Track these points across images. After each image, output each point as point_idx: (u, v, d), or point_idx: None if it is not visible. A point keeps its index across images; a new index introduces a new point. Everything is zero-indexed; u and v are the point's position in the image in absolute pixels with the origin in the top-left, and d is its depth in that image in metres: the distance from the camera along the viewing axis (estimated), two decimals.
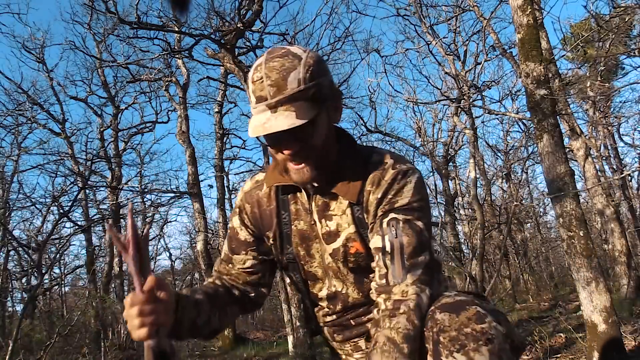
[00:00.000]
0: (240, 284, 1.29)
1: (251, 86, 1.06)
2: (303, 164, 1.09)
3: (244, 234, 1.28)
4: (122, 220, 11.50)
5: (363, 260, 1.16)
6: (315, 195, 1.17)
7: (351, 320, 1.23)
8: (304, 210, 1.20)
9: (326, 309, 1.25)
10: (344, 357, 1.29)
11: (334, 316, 1.25)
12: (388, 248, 1.07)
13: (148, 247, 0.98)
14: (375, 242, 1.10)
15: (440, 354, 0.92)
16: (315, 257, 1.21)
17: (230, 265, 1.30)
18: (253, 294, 1.30)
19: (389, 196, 1.11)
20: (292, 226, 1.21)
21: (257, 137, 1.10)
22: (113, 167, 12.06)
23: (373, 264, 1.12)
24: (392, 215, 1.09)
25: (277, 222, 1.23)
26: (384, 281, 1.06)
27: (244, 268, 1.28)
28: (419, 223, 1.09)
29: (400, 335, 0.96)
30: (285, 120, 1.00)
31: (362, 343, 1.23)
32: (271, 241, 1.26)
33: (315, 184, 1.16)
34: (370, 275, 1.15)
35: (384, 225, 1.09)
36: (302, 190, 1.19)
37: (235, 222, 1.29)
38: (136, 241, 0.93)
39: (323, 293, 1.24)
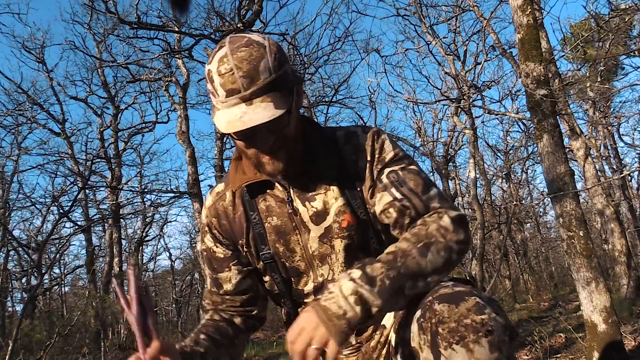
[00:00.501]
0: (239, 306, 1.25)
1: (218, 79, 0.99)
2: (275, 155, 1.06)
3: (220, 251, 1.23)
4: (121, 220, 11.50)
5: (355, 234, 1.13)
6: (291, 183, 1.15)
7: None
8: (279, 202, 1.15)
9: (311, 300, 1.19)
10: None
11: None
12: (399, 195, 1.09)
13: (152, 306, 0.96)
14: (383, 198, 1.10)
15: (438, 346, 0.89)
16: (296, 250, 1.16)
17: (220, 290, 1.25)
18: (255, 311, 1.27)
19: (376, 156, 1.13)
20: (265, 224, 1.16)
21: (229, 135, 1.07)
22: (113, 167, 12.06)
23: (388, 220, 1.11)
24: (387, 170, 1.11)
25: (247, 226, 1.18)
26: (408, 220, 1.08)
27: (233, 286, 1.23)
28: (413, 167, 1.13)
29: (422, 232, 1.02)
30: (265, 112, 0.97)
31: (351, 337, 1.18)
32: (245, 248, 1.20)
33: (286, 173, 1.12)
34: (362, 255, 1.14)
35: (385, 180, 1.11)
36: (275, 184, 1.15)
37: (207, 242, 1.24)
38: (139, 300, 0.92)
39: (309, 287, 1.19)
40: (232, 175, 1.18)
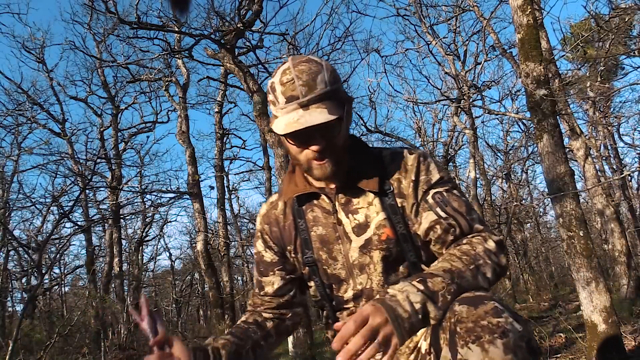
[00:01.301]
0: (274, 308, 1.36)
1: (280, 88, 1.12)
2: (325, 160, 1.15)
3: (269, 255, 1.35)
4: (121, 220, 11.50)
5: (394, 247, 1.20)
6: (337, 195, 1.24)
7: None
8: (325, 213, 1.25)
9: (352, 308, 1.28)
10: None
11: None
12: (444, 215, 1.16)
13: (162, 321, 1.15)
14: (428, 217, 1.17)
15: (456, 344, 0.93)
16: (338, 259, 1.24)
17: (262, 291, 1.36)
18: (289, 315, 1.37)
19: (422, 177, 1.21)
20: (311, 232, 1.26)
21: (284, 137, 1.17)
22: (113, 167, 12.06)
23: (433, 236, 1.17)
24: (433, 191, 1.19)
25: (295, 233, 1.29)
26: (452, 238, 1.15)
27: (274, 290, 1.34)
28: (456, 191, 1.21)
29: (470, 252, 1.08)
30: (319, 115, 1.08)
31: None
32: (292, 254, 1.31)
33: (335, 185, 1.23)
34: (399, 267, 1.21)
35: (431, 201, 1.18)
36: (322, 195, 1.25)
37: (259, 246, 1.37)
38: (151, 317, 1.13)
39: (349, 294, 1.26)
40: (285, 186, 1.30)
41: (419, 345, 1.23)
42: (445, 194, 1.19)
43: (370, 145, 1.32)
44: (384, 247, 1.20)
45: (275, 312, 1.36)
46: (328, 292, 1.30)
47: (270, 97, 1.16)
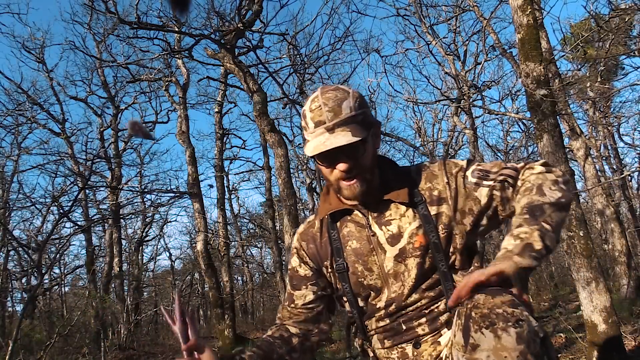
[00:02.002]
0: (302, 321, 1.42)
1: (309, 114, 1.24)
2: (354, 180, 1.24)
3: (303, 270, 1.42)
4: (121, 220, 11.49)
5: (427, 253, 1.25)
6: (370, 209, 1.31)
7: (402, 325, 1.29)
8: (359, 227, 1.32)
9: (381, 314, 1.32)
10: None
11: (387, 320, 1.31)
12: (491, 180, 1.25)
13: (195, 323, 1.19)
14: (481, 192, 1.25)
15: (469, 329, 0.96)
16: (373, 269, 1.30)
17: (292, 304, 1.43)
18: (315, 331, 1.43)
19: (452, 174, 1.29)
20: (347, 247, 1.33)
21: (315, 160, 1.28)
22: (113, 167, 12.06)
23: (497, 202, 1.25)
24: (469, 172, 1.28)
25: (331, 250, 1.36)
26: (510, 189, 1.24)
27: (304, 304, 1.41)
28: (483, 162, 1.32)
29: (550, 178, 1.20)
30: (343, 138, 1.18)
31: (409, 350, 1.28)
32: (329, 269, 1.37)
33: (364, 201, 1.30)
34: (430, 275, 1.26)
35: (473, 180, 1.26)
36: (355, 211, 1.32)
37: (294, 261, 1.44)
38: (182, 314, 1.15)
39: (382, 303, 1.31)
40: (321, 206, 1.39)
41: (441, 355, 1.25)
42: (478, 166, 1.28)
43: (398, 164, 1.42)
44: (418, 254, 1.25)
45: (302, 327, 1.42)
46: (357, 301, 1.35)
47: (302, 123, 1.27)
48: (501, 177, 1.24)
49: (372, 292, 1.32)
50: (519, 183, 1.23)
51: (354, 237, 1.32)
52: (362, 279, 1.31)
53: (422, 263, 1.25)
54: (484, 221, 1.27)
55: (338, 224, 1.36)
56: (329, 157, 1.22)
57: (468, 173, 1.28)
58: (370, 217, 1.31)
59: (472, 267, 1.28)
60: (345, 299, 1.38)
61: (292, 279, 1.44)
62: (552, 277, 14.13)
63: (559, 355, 3.72)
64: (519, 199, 1.20)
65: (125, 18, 6.32)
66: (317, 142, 1.20)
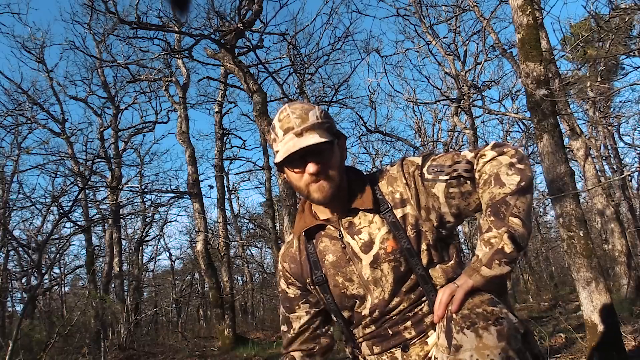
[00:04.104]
0: (303, 343, 1.45)
1: (277, 124, 1.28)
2: (322, 181, 1.26)
3: (291, 291, 1.45)
4: (121, 220, 11.48)
5: (400, 257, 1.26)
6: (340, 221, 1.34)
7: (389, 330, 1.30)
8: (333, 240, 1.34)
9: (367, 321, 1.34)
10: None
11: (373, 327, 1.33)
12: (446, 175, 1.25)
13: None
14: (438, 187, 1.25)
15: (451, 330, 0.99)
16: (353, 279, 1.32)
17: (291, 330, 1.46)
18: (317, 348, 1.46)
19: (409, 174, 1.30)
20: (325, 261, 1.35)
21: (286, 170, 1.31)
22: (113, 167, 12.06)
23: (455, 200, 1.25)
24: (424, 169, 1.28)
25: (308, 262, 1.38)
26: (469, 183, 1.24)
27: (301, 326, 1.44)
28: (435, 155, 1.32)
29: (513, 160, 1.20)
30: (312, 139, 1.22)
31: (398, 354, 1.29)
32: (312, 286, 1.39)
33: (334, 205, 1.32)
34: (408, 278, 1.27)
35: (429, 176, 1.27)
36: (327, 225, 1.35)
37: (281, 284, 1.48)
38: None
39: (366, 310, 1.33)
40: (296, 224, 1.42)
41: (429, 355, 1.27)
42: (432, 162, 1.29)
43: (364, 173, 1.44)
44: (392, 259, 1.26)
45: (304, 349, 1.45)
46: (340, 311, 1.37)
47: (272, 136, 1.31)
48: (455, 173, 1.24)
49: (356, 301, 1.34)
50: (476, 175, 1.23)
51: (330, 251, 1.34)
52: (345, 290, 1.33)
53: (397, 267, 1.27)
54: (450, 218, 1.27)
55: (314, 240, 1.39)
56: (298, 160, 1.25)
57: (424, 170, 1.28)
58: (342, 228, 1.33)
59: (451, 261, 1.28)
60: (330, 310, 1.41)
61: (284, 302, 1.48)
62: (552, 277, 14.13)
63: (559, 355, 3.72)
64: (481, 194, 1.21)
65: (125, 18, 6.32)
66: (286, 147, 1.24)
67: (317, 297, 1.41)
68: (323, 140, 1.21)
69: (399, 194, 1.29)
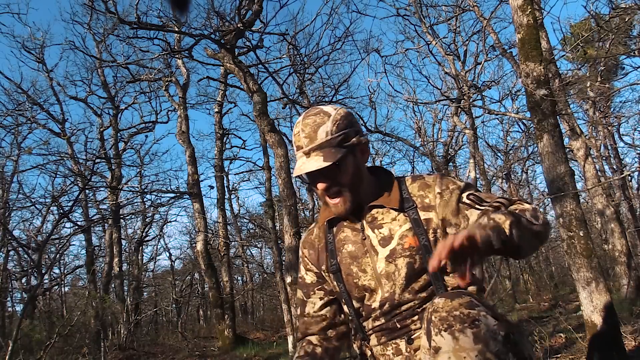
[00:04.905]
0: (319, 330, 1.48)
1: (293, 139, 1.35)
2: (337, 199, 1.34)
3: (309, 278, 1.51)
4: (121, 220, 11.48)
5: (417, 255, 1.31)
6: (364, 214, 1.39)
7: (397, 323, 1.33)
8: (354, 232, 1.40)
9: (377, 314, 1.37)
10: None
11: (382, 319, 1.36)
12: (483, 207, 1.28)
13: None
14: (472, 213, 1.29)
15: (430, 332, 1.02)
16: (367, 271, 1.36)
17: (305, 315, 1.51)
18: (334, 334, 1.49)
19: (446, 188, 1.35)
20: (343, 250, 1.41)
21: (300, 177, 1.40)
22: (113, 167, 12.06)
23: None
24: (464, 194, 1.32)
25: (326, 250, 1.44)
26: (504, 209, 1.26)
27: (315, 311, 1.48)
28: (478, 191, 1.37)
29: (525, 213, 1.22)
30: (315, 163, 1.27)
31: (402, 346, 1.32)
32: (327, 272, 1.44)
33: (348, 213, 1.36)
34: (421, 276, 1.31)
35: (467, 201, 1.31)
36: (351, 217, 1.39)
37: (301, 270, 1.54)
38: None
39: (376, 303, 1.36)
40: (321, 214, 1.48)
41: (400, 346, 1.32)
42: (475, 193, 1.34)
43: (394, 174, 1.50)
44: (408, 255, 1.31)
45: (321, 334, 1.49)
46: (351, 301, 1.41)
47: (293, 144, 1.39)
48: (496, 204, 1.27)
49: (366, 294, 1.37)
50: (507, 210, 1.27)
51: (350, 241, 1.40)
52: (357, 280, 1.37)
53: (411, 263, 1.30)
54: None
55: (335, 229, 1.45)
56: (309, 178, 1.34)
57: (464, 195, 1.33)
58: (364, 221, 1.38)
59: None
60: (342, 299, 1.43)
61: (302, 288, 1.53)
62: (552, 277, 14.13)
63: (559, 355, 3.72)
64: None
65: (125, 18, 6.32)
66: (298, 165, 1.31)
67: (331, 285, 1.46)
68: (326, 164, 1.26)
69: (428, 200, 1.35)
